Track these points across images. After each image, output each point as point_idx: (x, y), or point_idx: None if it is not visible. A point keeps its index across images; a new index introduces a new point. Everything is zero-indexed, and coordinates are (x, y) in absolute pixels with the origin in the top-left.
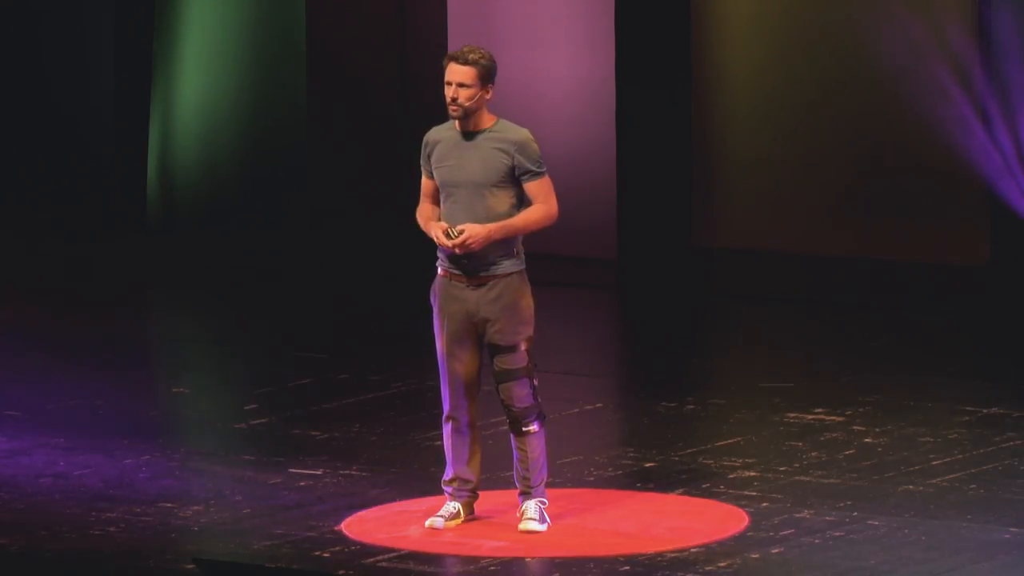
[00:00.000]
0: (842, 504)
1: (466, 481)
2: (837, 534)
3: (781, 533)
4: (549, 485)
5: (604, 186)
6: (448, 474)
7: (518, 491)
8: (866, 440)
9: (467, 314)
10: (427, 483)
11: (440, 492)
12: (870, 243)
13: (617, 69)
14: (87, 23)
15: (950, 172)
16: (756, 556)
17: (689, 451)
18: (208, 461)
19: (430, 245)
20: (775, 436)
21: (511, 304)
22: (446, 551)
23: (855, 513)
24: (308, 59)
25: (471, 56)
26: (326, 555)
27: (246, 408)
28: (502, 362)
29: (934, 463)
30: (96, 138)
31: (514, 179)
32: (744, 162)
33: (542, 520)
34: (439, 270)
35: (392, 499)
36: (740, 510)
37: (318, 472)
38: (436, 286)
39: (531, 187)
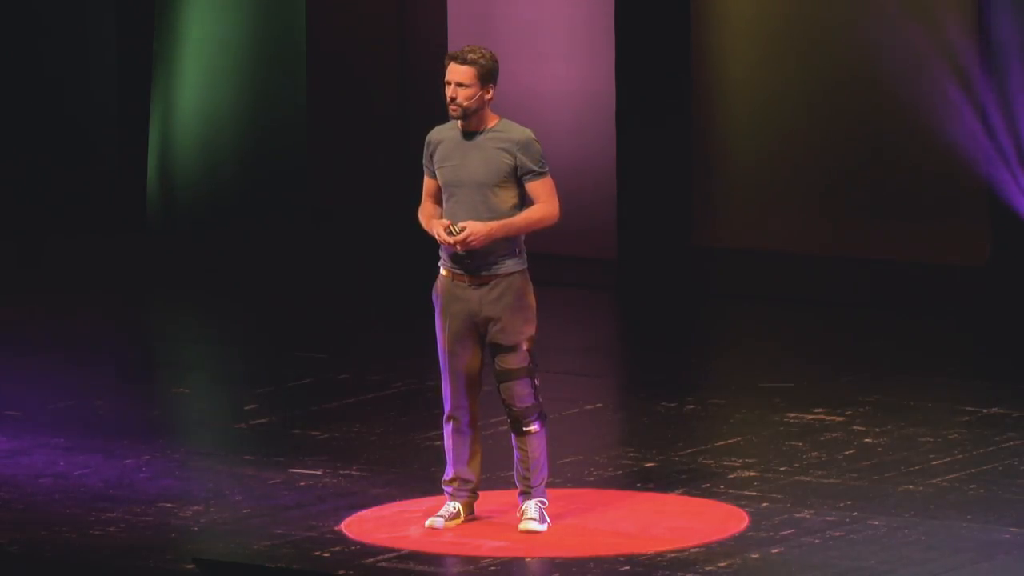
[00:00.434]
0: (842, 504)
1: (466, 481)
2: (837, 534)
3: (781, 533)
4: (549, 485)
5: (604, 186)
6: (448, 474)
7: (518, 491)
8: (866, 440)
9: (469, 313)
10: (427, 483)
11: (440, 492)
12: (870, 243)
13: (617, 69)
14: (89, 23)
15: (950, 172)
16: (756, 556)
17: (689, 451)
18: (208, 461)
19: (431, 245)
20: (775, 436)
21: (514, 303)
22: (446, 551)
23: (855, 513)
24: (308, 59)
25: (470, 56)
26: (326, 555)
27: (246, 408)
28: (503, 361)
29: (934, 463)
30: (97, 138)
31: (516, 179)
32: (744, 162)
33: (542, 520)
34: (441, 270)
35: (392, 499)
36: (740, 510)
37: (318, 472)
38: (438, 286)
39: (533, 187)
